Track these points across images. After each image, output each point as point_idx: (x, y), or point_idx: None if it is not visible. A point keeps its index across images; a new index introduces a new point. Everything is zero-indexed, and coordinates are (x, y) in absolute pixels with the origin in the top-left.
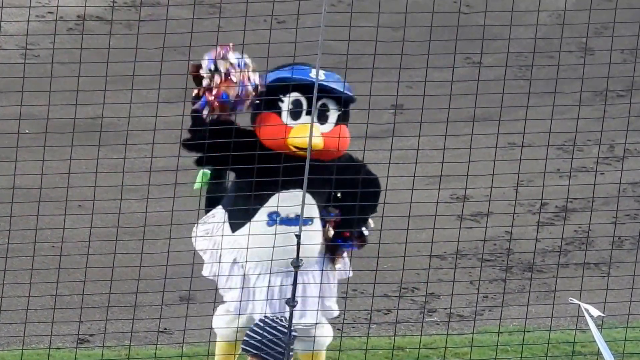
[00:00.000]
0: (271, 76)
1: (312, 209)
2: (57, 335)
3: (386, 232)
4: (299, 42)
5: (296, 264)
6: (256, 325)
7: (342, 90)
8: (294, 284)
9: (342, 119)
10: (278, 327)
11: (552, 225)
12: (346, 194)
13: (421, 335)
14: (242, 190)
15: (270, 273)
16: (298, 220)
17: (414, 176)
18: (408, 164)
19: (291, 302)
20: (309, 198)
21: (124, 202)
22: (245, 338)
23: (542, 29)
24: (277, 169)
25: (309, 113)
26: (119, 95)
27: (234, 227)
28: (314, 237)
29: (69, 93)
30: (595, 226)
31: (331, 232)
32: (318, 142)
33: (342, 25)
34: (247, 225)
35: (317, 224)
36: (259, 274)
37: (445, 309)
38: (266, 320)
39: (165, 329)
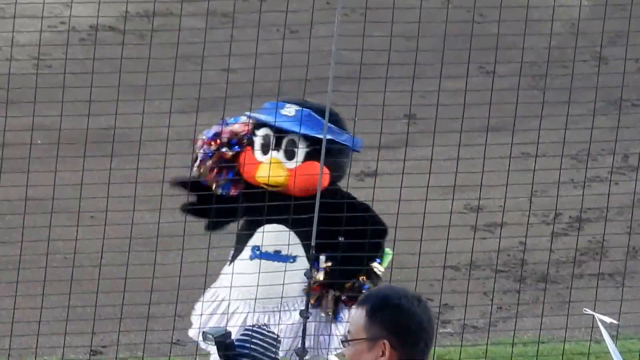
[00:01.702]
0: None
1: (295, 247)
2: (69, 347)
3: (399, 243)
4: (312, 51)
5: (305, 315)
6: (244, 334)
7: (312, 129)
8: (303, 333)
9: (313, 156)
10: (266, 336)
11: (566, 235)
12: (340, 233)
13: (435, 346)
14: (239, 229)
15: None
16: (277, 256)
17: (428, 186)
18: (421, 174)
19: (301, 352)
20: (292, 236)
21: (136, 212)
22: (236, 343)
23: (556, 38)
24: (262, 205)
25: (276, 147)
26: (131, 106)
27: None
28: (294, 276)
29: (81, 103)
30: (610, 236)
31: (321, 277)
32: (281, 179)
33: (355, 34)
34: (235, 262)
35: (301, 263)
36: (241, 312)
37: (459, 320)
38: (254, 329)
39: (178, 340)
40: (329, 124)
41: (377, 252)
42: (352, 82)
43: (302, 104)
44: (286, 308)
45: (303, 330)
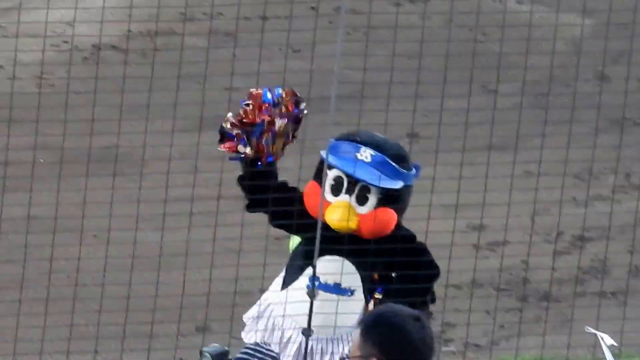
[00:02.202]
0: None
1: (354, 280)
2: None
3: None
4: (315, 70)
5: (307, 333)
6: (244, 352)
7: (381, 177)
8: (305, 351)
9: (385, 201)
10: (266, 354)
11: (568, 254)
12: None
13: None
14: (295, 255)
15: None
16: (336, 288)
17: (430, 205)
18: (424, 193)
19: None
20: (351, 268)
21: (139, 231)
22: None
23: (558, 56)
24: (322, 235)
25: (348, 192)
26: (134, 125)
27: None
28: (351, 308)
29: (84, 122)
30: (612, 255)
31: (371, 307)
32: (353, 225)
33: (357, 53)
34: (289, 290)
35: (358, 296)
36: (294, 340)
37: (462, 338)
38: (254, 347)
39: (181, 359)
40: (402, 170)
41: (426, 294)
42: (354, 101)
43: (375, 143)
44: (343, 338)
45: (305, 348)
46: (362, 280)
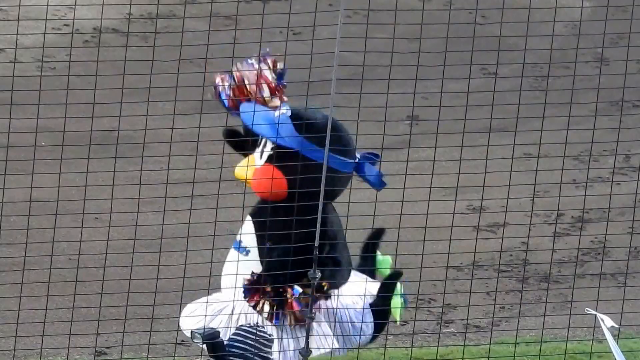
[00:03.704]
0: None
1: (250, 240)
2: (74, 347)
3: (402, 244)
4: (315, 53)
5: (309, 315)
6: (236, 333)
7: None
8: (307, 333)
9: (272, 159)
10: (259, 336)
11: (568, 235)
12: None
13: (438, 346)
14: None
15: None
16: (236, 245)
17: (430, 187)
18: (424, 175)
19: (305, 352)
20: (252, 228)
21: (140, 214)
22: (228, 342)
23: (557, 39)
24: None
25: (258, 147)
26: (134, 108)
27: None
28: (246, 267)
29: (85, 105)
30: (612, 236)
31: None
32: (243, 173)
33: (357, 36)
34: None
35: (253, 256)
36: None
37: (462, 319)
38: (247, 328)
39: (183, 341)
40: (299, 137)
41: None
42: (354, 83)
43: (309, 116)
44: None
45: (307, 330)
46: (257, 241)
